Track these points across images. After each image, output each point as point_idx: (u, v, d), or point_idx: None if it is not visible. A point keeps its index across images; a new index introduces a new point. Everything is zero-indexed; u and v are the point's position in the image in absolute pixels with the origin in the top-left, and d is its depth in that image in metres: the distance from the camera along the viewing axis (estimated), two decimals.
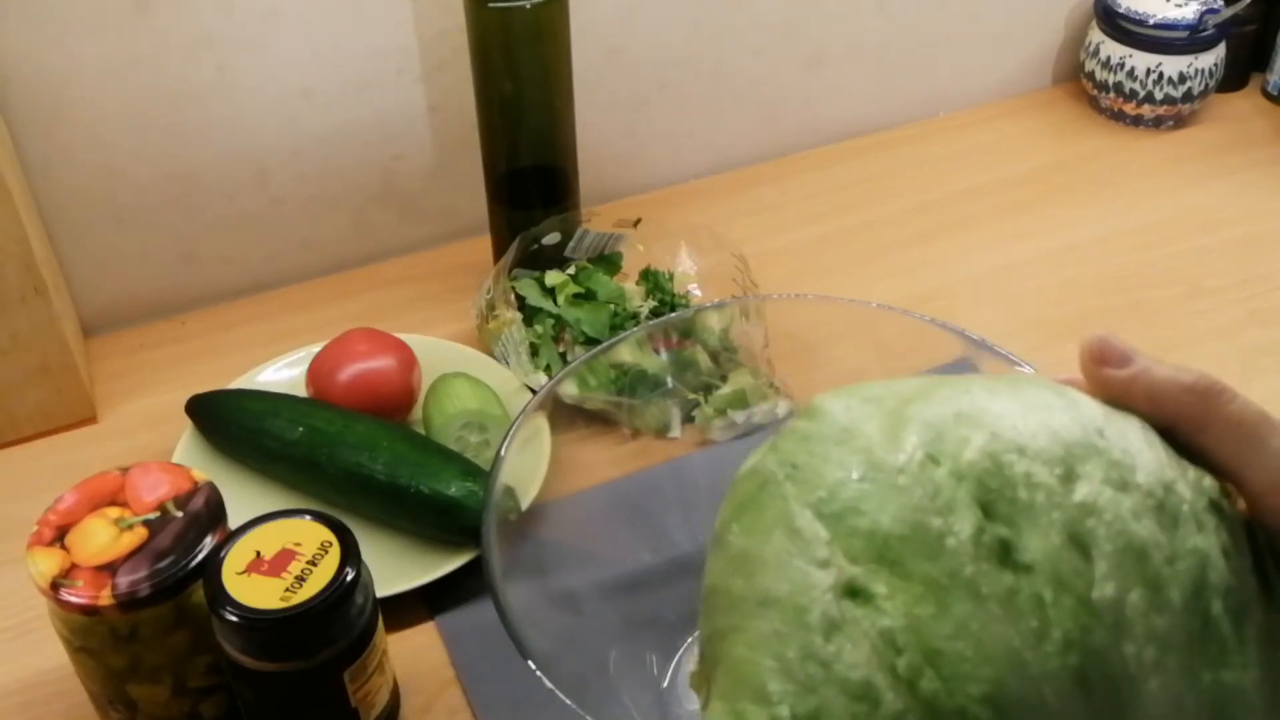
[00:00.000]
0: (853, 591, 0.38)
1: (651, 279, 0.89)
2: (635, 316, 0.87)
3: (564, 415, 0.70)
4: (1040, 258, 0.99)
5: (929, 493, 0.39)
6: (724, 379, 0.80)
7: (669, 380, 0.78)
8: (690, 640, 0.69)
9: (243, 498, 0.75)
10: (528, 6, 0.82)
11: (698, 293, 0.90)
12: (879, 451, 0.41)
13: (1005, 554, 0.38)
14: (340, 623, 0.59)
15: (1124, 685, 0.37)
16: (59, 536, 0.61)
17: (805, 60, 1.09)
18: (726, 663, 0.40)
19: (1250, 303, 0.94)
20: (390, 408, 0.81)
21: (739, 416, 0.78)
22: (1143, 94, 1.11)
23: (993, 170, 1.10)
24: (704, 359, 0.81)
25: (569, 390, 0.72)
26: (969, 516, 0.38)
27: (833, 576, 0.38)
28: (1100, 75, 1.13)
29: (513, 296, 0.86)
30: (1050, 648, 0.37)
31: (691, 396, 0.79)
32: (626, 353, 0.76)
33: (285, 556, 0.59)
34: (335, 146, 0.96)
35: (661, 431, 0.78)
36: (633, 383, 0.77)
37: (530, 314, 0.86)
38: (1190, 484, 0.41)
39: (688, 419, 0.79)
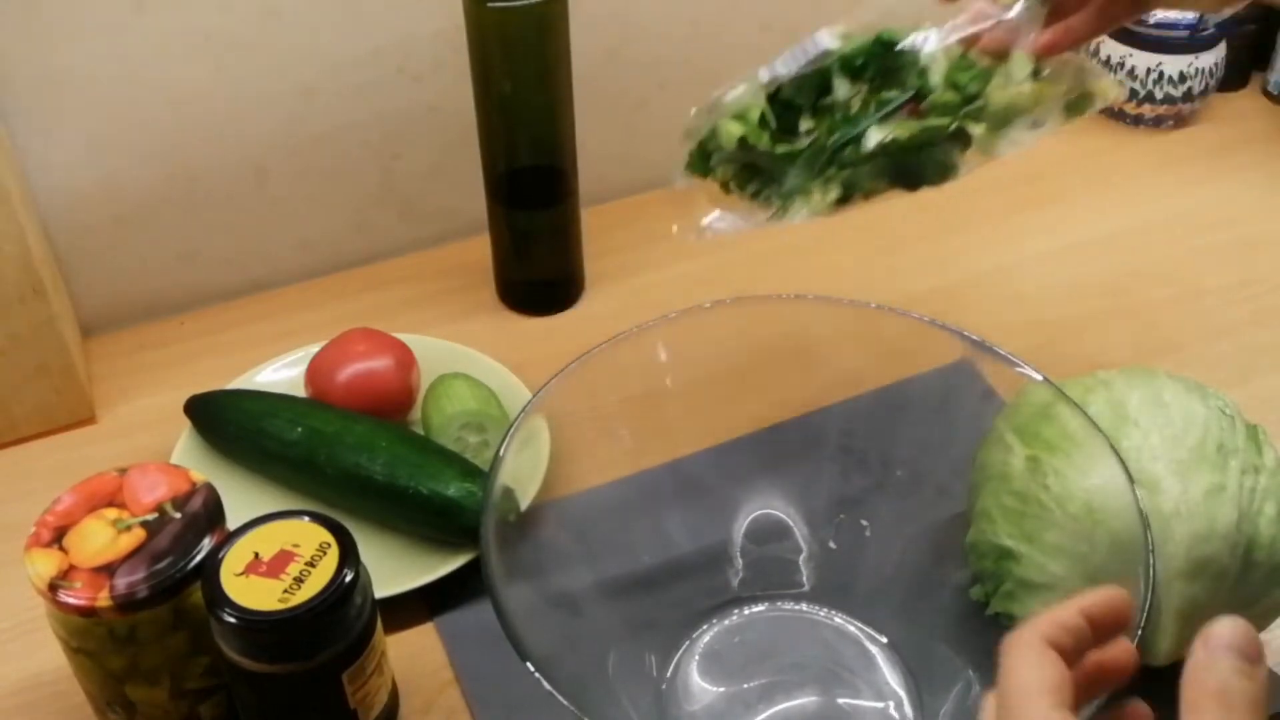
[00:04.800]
0: None
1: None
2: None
3: (564, 415, 0.70)
4: (1040, 258, 0.99)
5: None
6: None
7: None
8: (689, 640, 0.69)
9: (241, 498, 0.75)
10: (528, 6, 0.82)
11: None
12: None
13: None
14: (339, 624, 0.59)
15: None
16: (57, 537, 0.60)
17: None
18: None
19: (1250, 303, 0.94)
20: (389, 408, 0.81)
21: None
22: (1143, 93, 1.11)
23: (992, 170, 1.09)
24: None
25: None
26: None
27: None
28: None
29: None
30: None
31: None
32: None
33: (284, 558, 0.59)
34: (335, 146, 0.96)
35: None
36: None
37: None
38: None
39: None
